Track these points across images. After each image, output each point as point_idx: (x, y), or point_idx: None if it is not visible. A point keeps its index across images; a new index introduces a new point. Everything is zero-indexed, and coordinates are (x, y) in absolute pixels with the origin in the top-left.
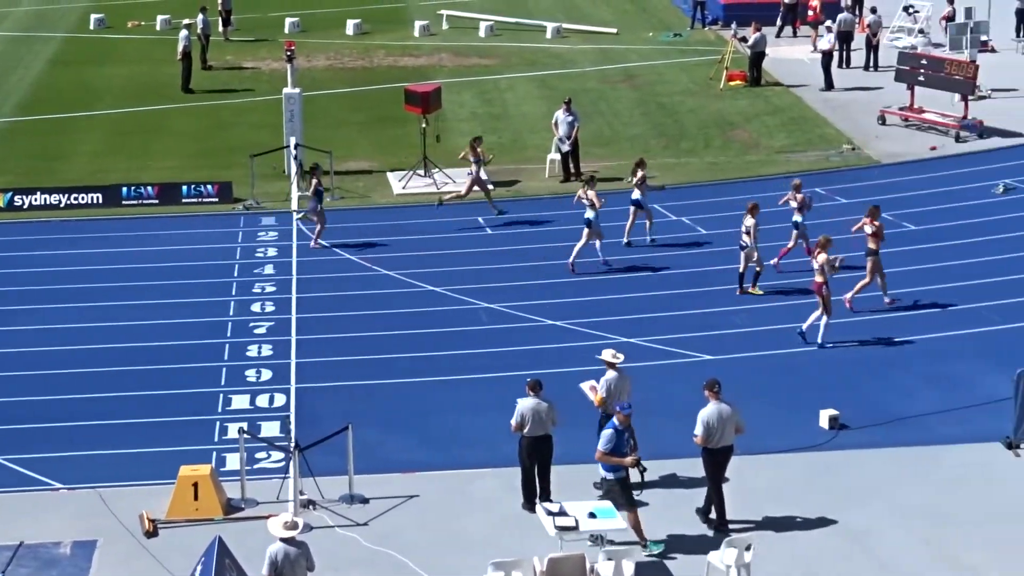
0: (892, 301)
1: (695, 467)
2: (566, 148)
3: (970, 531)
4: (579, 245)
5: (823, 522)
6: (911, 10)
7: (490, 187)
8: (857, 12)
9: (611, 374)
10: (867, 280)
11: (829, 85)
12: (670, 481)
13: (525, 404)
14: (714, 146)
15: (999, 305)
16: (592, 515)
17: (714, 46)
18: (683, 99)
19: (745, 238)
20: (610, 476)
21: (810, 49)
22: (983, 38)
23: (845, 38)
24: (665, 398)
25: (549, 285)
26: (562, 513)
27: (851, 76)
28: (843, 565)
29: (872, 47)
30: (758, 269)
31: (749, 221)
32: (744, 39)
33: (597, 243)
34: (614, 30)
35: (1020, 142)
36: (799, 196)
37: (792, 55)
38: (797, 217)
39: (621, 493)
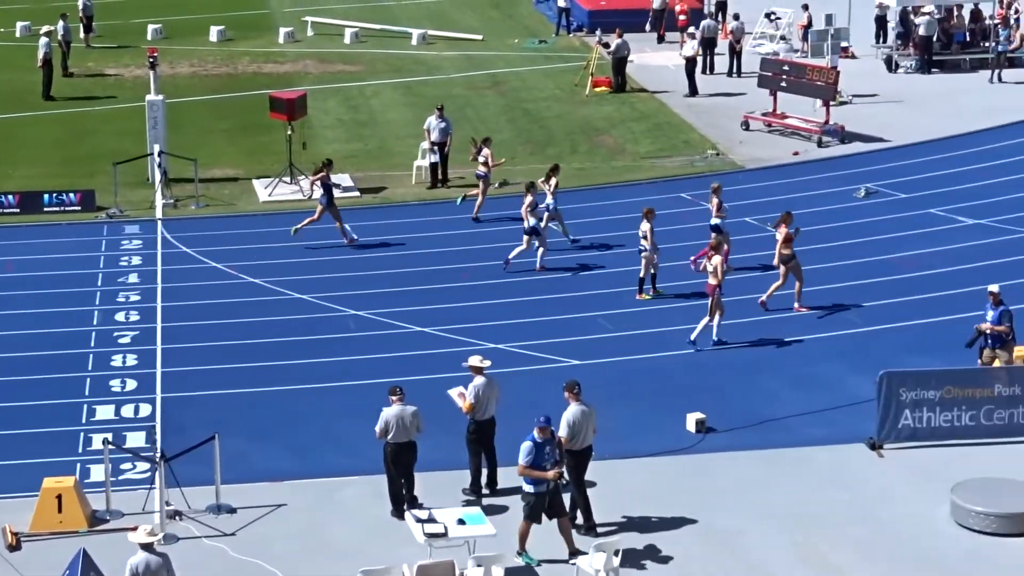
0: (801, 308)
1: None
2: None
3: (836, 531)
4: (519, 251)
5: (692, 524)
6: (773, 17)
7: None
8: (720, 19)
9: (479, 380)
10: (780, 282)
11: (693, 91)
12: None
13: (389, 411)
14: (580, 152)
15: (861, 308)
16: (461, 521)
17: (579, 52)
18: (549, 105)
19: (643, 242)
20: (531, 490)
21: (676, 55)
22: (843, 44)
23: (708, 44)
24: (533, 403)
25: (417, 292)
26: (431, 520)
27: (715, 82)
28: (712, 567)
29: (735, 53)
30: (653, 272)
31: (645, 226)
32: (607, 45)
33: (541, 249)
34: (480, 37)
35: (880, 146)
36: (715, 200)
37: (657, 61)
38: (716, 220)
39: (535, 506)
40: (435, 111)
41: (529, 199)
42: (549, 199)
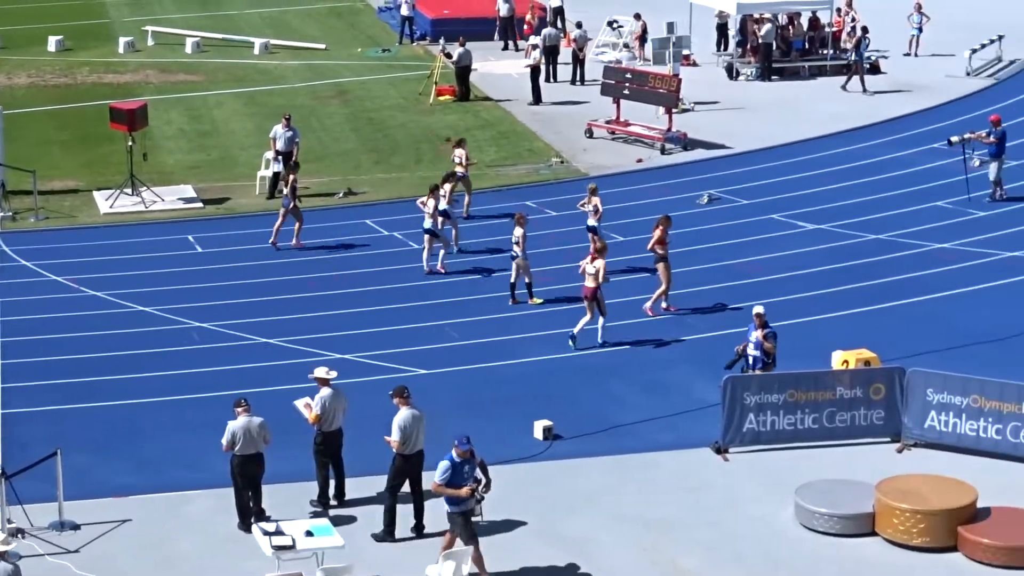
0: (669, 308)
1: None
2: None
3: (684, 535)
4: (427, 254)
5: (542, 532)
6: (615, 25)
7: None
8: (562, 27)
9: (325, 391)
10: (664, 286)
11: (537, 99)
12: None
13: (235, 423)
14: (425, 161)
15: (705, 313)
16: (309, 533)
17: (423, 61)
18: (393, 114)
19: (515, 248)
20: (451, 509)
21: (520, 63)
22: (685, 52)
23: (551, 52)
24: (380, 414)
25: (262, 303)
26: (279, 532)
27: (558, 90)
28: (563, 574)
29: (578, 61)
30: (527, 280)
31: (518, 232)
32: (449, 55)
33: (443, 250)
34: (323, 46)
35: (722, 153)
36: (594, 200)
37: (501, 70)
38: (592, 222)
39: (464, 526)
40: (282, 120)
41: (432, 202)
42: (443, 205)
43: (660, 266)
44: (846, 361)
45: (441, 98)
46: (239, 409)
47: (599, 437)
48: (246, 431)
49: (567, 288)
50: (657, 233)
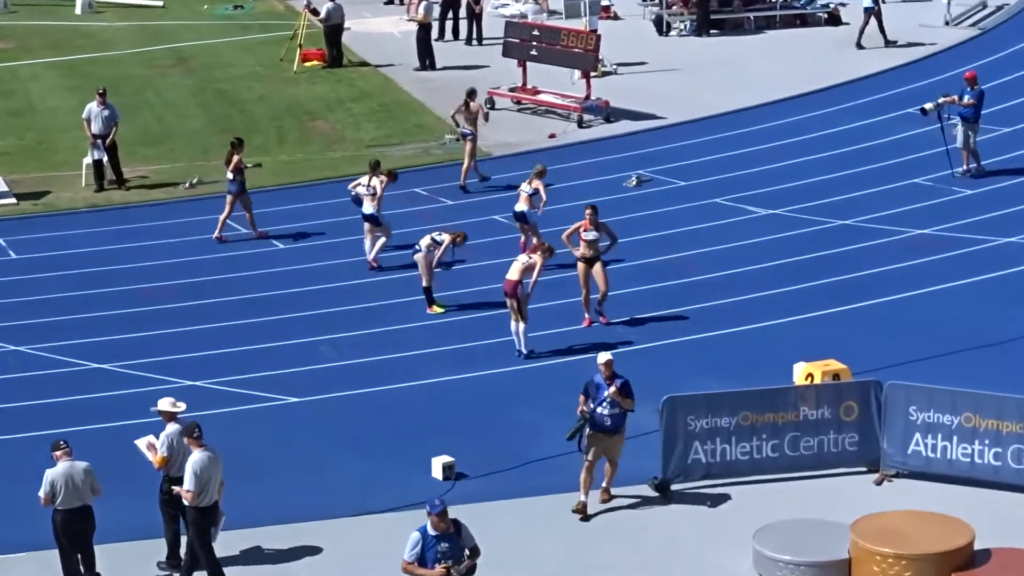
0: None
1: (293, 535)
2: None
3: None
4: (370, 244)
5: None
6: None
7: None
8: None
9: (172, 427)
10: (603, 288)
11: (425, 63)
12: (253, 555)
13: (54, 471)
14: (290, 141)
15: (637, 321)
16: None
17: (284, 20)
18: (250, 85)
19: (420, 243)
20: None
21: (404, 20)
22: (604, 3)
23: (449, 6)
24: (245, 454)
25: (92, 320)
26: None
27: (451, 52)
28: None
29: (474, 16)
30: (426, 283)
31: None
32: (316, 12)
33: (382, 239)
34: (160, 3)
35: (653, 125)
36: (537, 183)
37: (381, 28)
38: (522, 207)
39: None
40: (96, 96)
41: (376, 181)
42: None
43: (598, 266)
44: (811, 375)
45: (307, 64)
46: (58, 453)
47: (511, 475)
48: (68, 479)
49: (469, 293)
50: (583, 224)
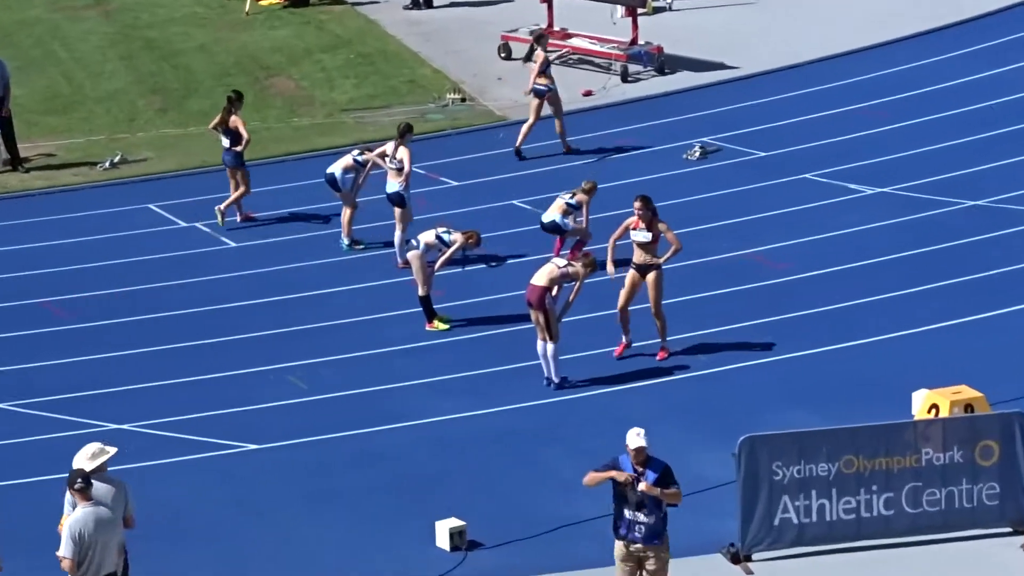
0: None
1: None
2: None
3: None
4: (398, 235)
5: None
6: None
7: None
8: None
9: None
10: (655, 306)
11: (419, 0)
12: None
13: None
14: (243, 105)
15: (705, 337)
16: None
17: None
18: (187, 32)
19: (423, 239)
20: None
21: None
22: None
23: None
24: (189, 517)
25: None
26: None
27: None
28: None
29: None
30: (422, 291)
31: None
32: None
33: (398, 231)
34: None
35: (721, 77)
36: (580, 197)
37: None
38: (555, 215)
39: None
40: None
41: (402, 151)
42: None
43: (651, 276)
44: (935, 406)
45: (263, 3)
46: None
47: (537, 544)
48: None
49: (481, 304)
50: (632, 221)
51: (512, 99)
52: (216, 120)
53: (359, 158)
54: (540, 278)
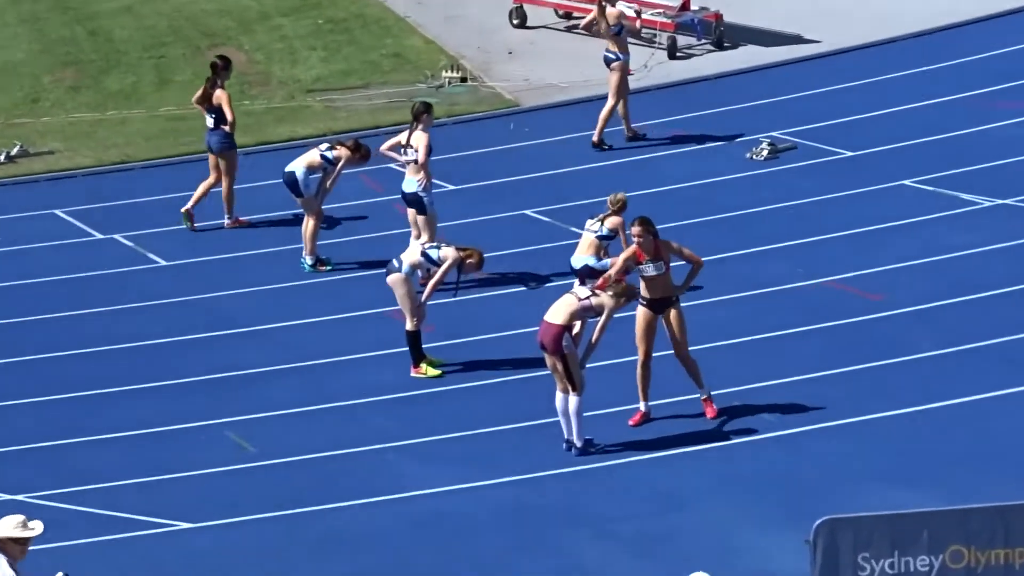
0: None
1: None
2: None
3: None
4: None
5: None
6: None
7: None
8: None
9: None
10: (681, 349)
11: None
12: None
13: None
14: (178, 83)
15: (779, 390)
16: None
17: None
18: None
19: (408, 259)
20: None
21: None
22: None
23: None
24: None
25: None
26: None
27: None
28: None
29: None
30: (411, 325)
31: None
32: None
33: (417, 242)
34: None
35: (797, 54)
36: (613, 220)
37: None
38: (586, 258)
39: None
40: None
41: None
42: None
43: (672, 314)
44: None
45: None
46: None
47: None
48: None
49: (481, 343)
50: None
51: (525, 79)
52: (198, 94)
53: (328, 154)
54: (557, 314)
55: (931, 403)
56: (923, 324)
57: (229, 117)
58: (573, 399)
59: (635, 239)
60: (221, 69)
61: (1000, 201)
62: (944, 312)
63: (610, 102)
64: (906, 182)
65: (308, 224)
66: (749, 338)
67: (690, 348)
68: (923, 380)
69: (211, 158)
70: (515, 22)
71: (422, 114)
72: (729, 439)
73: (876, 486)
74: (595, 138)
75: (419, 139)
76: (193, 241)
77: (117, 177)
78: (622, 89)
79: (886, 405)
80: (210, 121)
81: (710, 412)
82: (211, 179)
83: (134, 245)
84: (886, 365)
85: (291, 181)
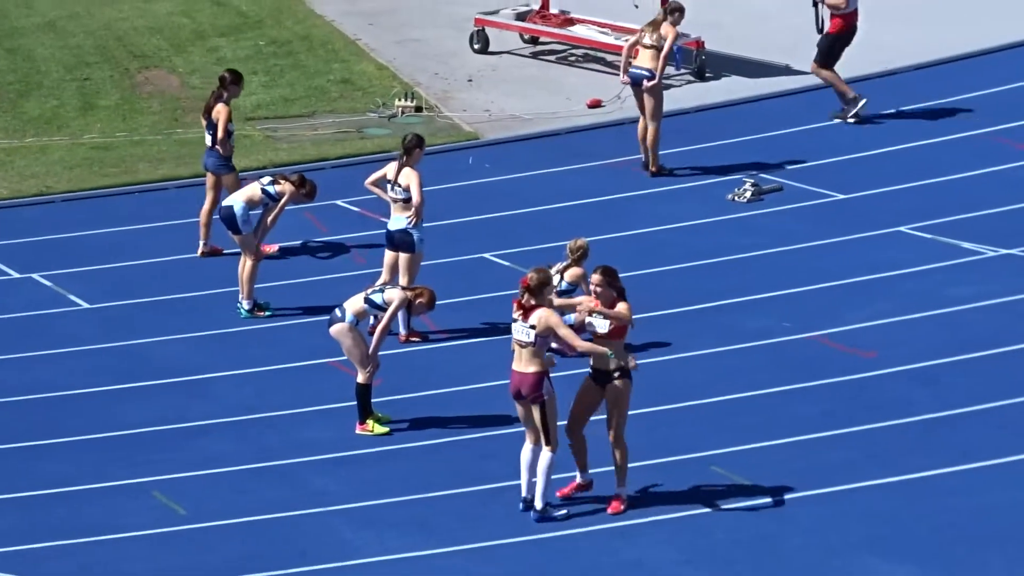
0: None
1: None
2: None
3: None
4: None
5: None
6: None
7: None
8: None
9: None
10: (614, 433)
11: None
12: None
13: None
14: (104, 108)
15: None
16: None
17: None
18: (29, 3)
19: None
20: None
21: None
22: None
23: None
24: None
25: None
26: None
27: None
28: None
29: None
30: (363, 377)
31: (393, 293)
32: None
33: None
34: None
35: (785, 86)
36: (573, 272)
37: None
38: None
39: None
40: None
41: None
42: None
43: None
44: None
45: None
46: None
47: None
48: None
49: (426, 399)
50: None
51: (486, 109)
52: (204, 107)
53: (270, 188)
54: (524, 361)
55: (928, 470)
56: (919, 384)
57: (219, 135)
58: (546, 454)
59: (594, 288)
60: (229, 83)
61: (1005, 251)
62: (943, 371)
63: (652, 125)
64: (902, 228)
65: (245, 265)
66: (727, 397)
67: (662, 408)
68: (919, 445)
69: (208, 178)
70: (476, 47)
71: (414, 148)
72: (704, 507)
73: (868, 559)
74: (653, 167)
75: (410, 177)
76: (118, 283)
77: (36, 210)
78: (660, 107)
79: (879, 471)
80: (208, 139)
81: (613, 508)
82: (207, 203)
83: (53, 285)
84: (879, 428)
85: (228, 217)
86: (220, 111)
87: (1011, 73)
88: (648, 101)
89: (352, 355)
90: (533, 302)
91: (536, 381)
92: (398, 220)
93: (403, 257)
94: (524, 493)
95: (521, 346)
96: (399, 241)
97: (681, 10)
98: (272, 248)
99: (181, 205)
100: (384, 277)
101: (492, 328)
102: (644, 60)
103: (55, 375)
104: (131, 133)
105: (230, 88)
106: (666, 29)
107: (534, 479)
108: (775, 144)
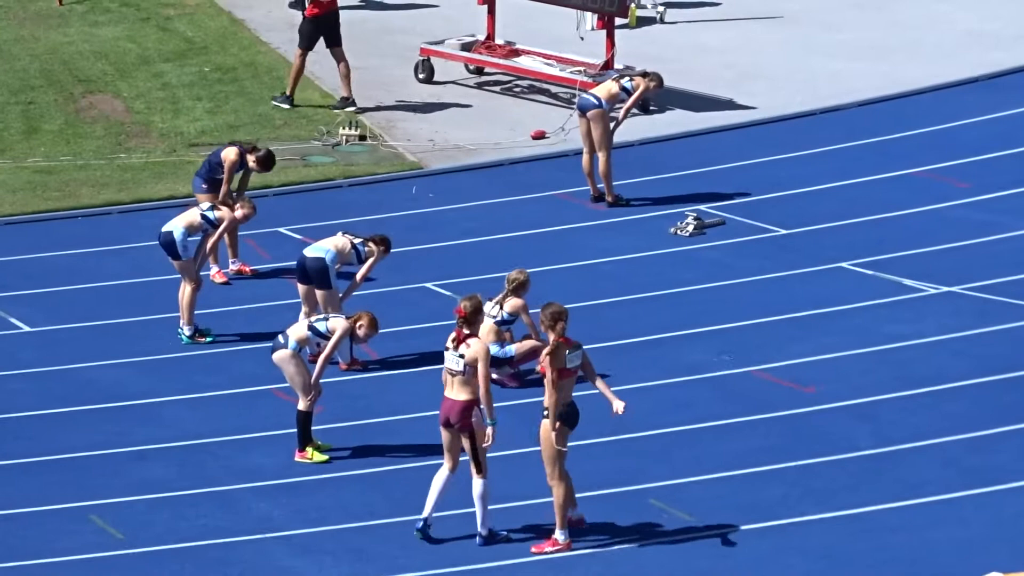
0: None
1: None
2: None
3: None
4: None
5: None
6: None
7: None
8: None
9: None
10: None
11: None
12: None
13: None
14: (47, 132)
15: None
16: None
17: None
18: None
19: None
20: None
21: None
22: None
23: None
24: None
25: None
26: None
27: None
28: None
29: None
30: (305, 405)
31: (337, 322)
32: None
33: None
34: None
35: (730, 120)
36: (514, 302)
37: None
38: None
39: None
40: None
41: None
42: None
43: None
44: None
45: None
46: None
47: None
48: None
49: (365, 427)
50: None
51: (430, 139)
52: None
53: (210, 214)
54: (456, 388)
55: (868, 506)
56: (859, 420)
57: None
58: (478, 482)
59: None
60: (262, 164)
61: (946, 288)
62: (882, 408)
63: (602, 155)
64: (844, 264)
65: (185, 291)
66: (667, 430)
67: (602, 440)
68: (859, 480)
69: (202, 198)
70: (421, 76)
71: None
72: (642, 540)
73: None
74: (609, 197)
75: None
76: (60, 306)
77: None
78: (609, 139)
79: (819, 507)
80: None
81: (541, 548)
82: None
83: None
84: (819, 463)
85: (168, 242)
86: (230, 160)
87: (955, 111)
88: (595, 130)
89: (294, 382)
90: (467, 331)
91: (465, 409)
92: (318, 249)
93: (320, 294)
94: (425, 514)
95: (452, 374)
96: (314, 274)
97: (660, 84)
98: (223, 278)
99: (124, 230)
100: (305, 308)
101: (433, 357)
102: (598, 90)
103: (15, 402)
104: (75, 157)
105: (260, 165)
106: (639, 81)
107: (476, 509)
108: (718, 178)
